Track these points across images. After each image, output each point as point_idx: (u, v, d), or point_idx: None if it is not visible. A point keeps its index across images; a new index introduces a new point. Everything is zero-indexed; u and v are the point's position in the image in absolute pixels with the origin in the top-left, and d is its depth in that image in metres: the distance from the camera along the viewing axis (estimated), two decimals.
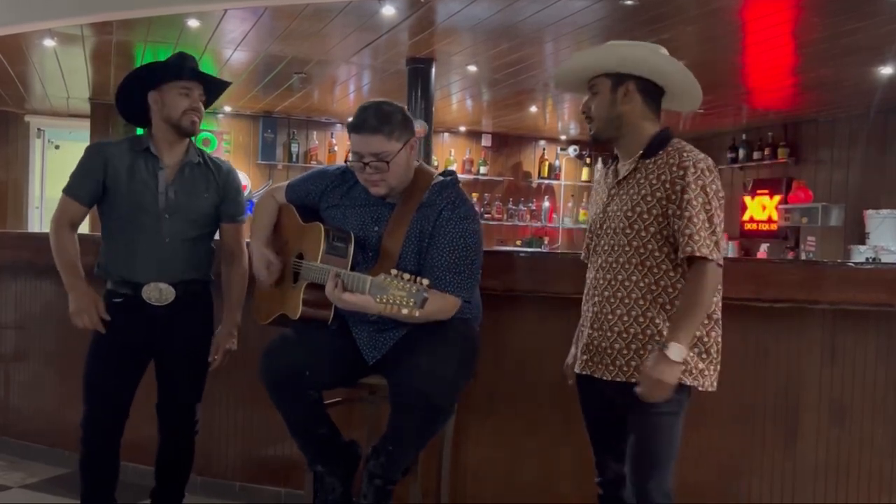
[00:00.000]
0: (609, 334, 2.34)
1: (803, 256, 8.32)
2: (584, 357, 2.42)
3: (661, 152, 2.32)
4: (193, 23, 5.64)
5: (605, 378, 2.35)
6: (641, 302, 2.30)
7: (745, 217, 9.31)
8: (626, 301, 2.32)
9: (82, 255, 2.91)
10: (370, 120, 2.59)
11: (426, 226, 2.62)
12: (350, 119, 2.66)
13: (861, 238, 7.61)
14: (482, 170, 10.58)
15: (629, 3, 4.56)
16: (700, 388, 2.30)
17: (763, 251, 8.97)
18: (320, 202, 2.82)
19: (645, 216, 2.29)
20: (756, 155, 9.07)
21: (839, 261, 3.15)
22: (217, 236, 3.05)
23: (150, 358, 2.95)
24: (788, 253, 8.69)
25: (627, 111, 2.36)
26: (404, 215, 2.65)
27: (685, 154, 2.28)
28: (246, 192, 9.33)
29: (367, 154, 2.59)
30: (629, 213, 2.32)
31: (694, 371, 2.27)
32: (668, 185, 2.26)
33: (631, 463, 2.34)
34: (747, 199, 9.28)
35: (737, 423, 2.95)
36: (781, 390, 2.93)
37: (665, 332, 2.26)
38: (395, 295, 2.28)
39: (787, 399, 2.92)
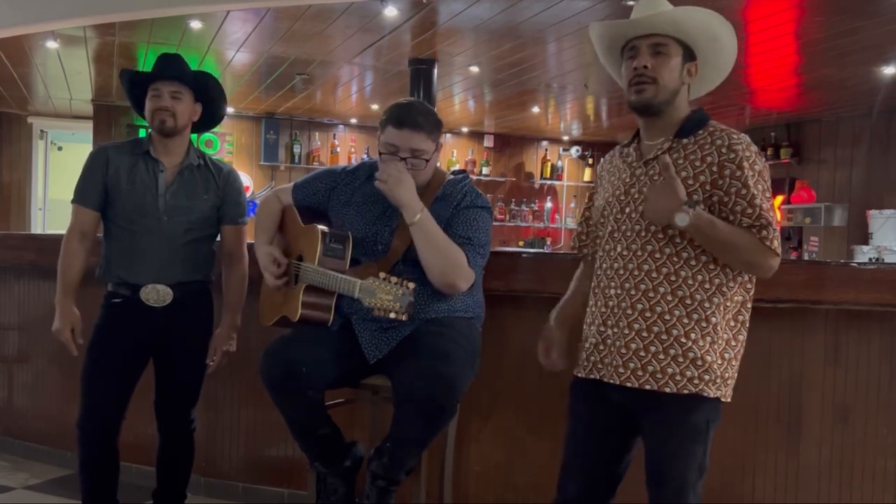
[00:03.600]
0: (627, 332, 2.09)
1: (806, 256, 8.31)
2: (592, 359, 2.18)
3: (700, 132, 2.11)
4: (196, 24, 5.65)
5: (613, 382, 2.10)
6: (669, 297, 2.05)
7: None
8: (651, 295, 2.06)
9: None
10: (416, 117, 2.60)
11: (439, 221, 2.62)
12: (386, 114, 2.64)
13: (864, 238, 7.60)
14: (484, 170, 10.58)
15: (631, 3, 4.55)
16: (723, 400, 2.12)
17: None
18: (329, 200, 2.82)
19: None
20: None
21: (842, 261, 3.14)
22: (218, 238, 3.06)
23: (149, 359, 2.96)
24: (791, 253, 8.67)
25: (683, 90, 2.15)
26: None
27: (735, 136, 2.06)
28: (248, 194, 9.40)
29: (407, 149, 2.60)
30: None
31: (718, 381, 2.08)
32: (714, 169, 2.03)
33: (654, 485, 2.09)
34: None
35: (740, 423, 2.95)
36: (785, 390, 2.92)
37: (691, 337, 2.04)
38: (382, 299, 2.31)
39: (790, 399, 2.92)
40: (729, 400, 2.14)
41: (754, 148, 2.07)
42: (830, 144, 8.44)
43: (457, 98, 8.33)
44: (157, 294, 2.86)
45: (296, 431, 2.68)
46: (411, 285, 2.30)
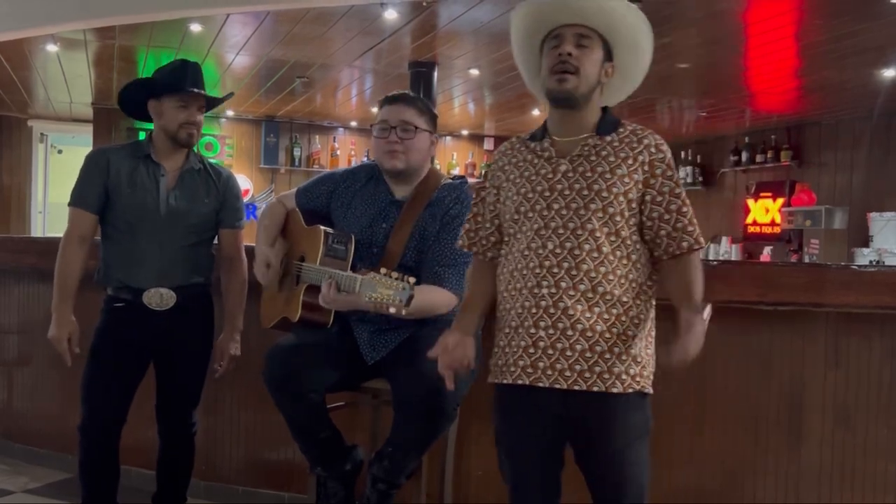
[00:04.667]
0: (570, 333, 2.01)
1: (807, 259, 8.31)
2: (521, 363, 2.07)
3: (621, 129, 2.11)
4: (196, 27, 5.65)
5: (557, 387, 2.02)
6: (609, 297, 2.02)
7: (749, 220, 9.29)
8: (591, 295, 2.01)
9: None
10: (407, 95, 2.75)
11: (432, 225, 2.65)
12: (381, 99, 2.78)
13: (864, 241, 7.60)
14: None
15: (633, 5, 4.55)
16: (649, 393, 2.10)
17: (766, 254, 8.96)
18: (330, 202, 2.85)
19: (622, 199, 2.04)
20: (759, 158, 9.06)
21: (843, 264, 3.14)
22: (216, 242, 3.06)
23: (150, 362, 2.96)
24: (792, 256, 8.67)
25: (598, 89, 2.13)
26: (412, 212, 2.69)
27: (658, 137, 2.11)
28: (248, 197, 9.41)
29: (396, 120, 2.67)
30: (604, 194, 2.03)
31: (650, 376, 2.09)
32: (646, 168, 2.06)
33: (611, 490, 2.05)
34: (750, 201, 9.26)
35: (741, 426, 2.95)
36: (786, 393, 2.92)
37: (629, 334, 2.03)
38: (382, 293, 2.30)
39: (791, 402, 2.91)
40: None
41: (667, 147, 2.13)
42: (830, 147, 8.44)
43: (457, 101, 8.33)
44: (160, 298, 2.85)
45: (297, 433, 2.68)
46: (412, 279, 2.30)
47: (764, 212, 9.13)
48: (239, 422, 3.58)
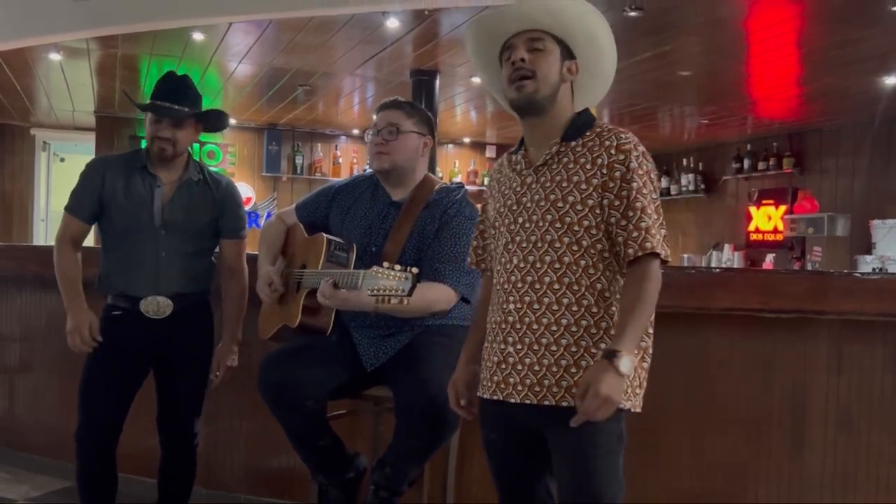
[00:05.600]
0: (536, 348, 1.97)
1: (809, 267, 8.29)
2: (496, 379, 2.03)
3: (587, 133, 2.03)
4: (198, 36, 5.66)
5: (528, 402, 1.97)
6: (575, 308, 1.95)
7: (751, 227, 9.29)
8: (556, 308, 1.96)
9: (85, 267, 2.94)
10: (397, 100, 2.85)
11: (431, 225, 2.68)
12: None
13: (867, 248, 7.59)
14: (486, 181, 10.58)
15: (632, 13, 4.56)
16: (633, 411, 1.99)
17: (769, 261, 8.95)
18: (330, 211, 2.88)
19: (579, 207, 1.96)
20: (761, 165, 9.06)
21: (845, 271, 3.14)
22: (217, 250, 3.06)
23: (148, 370, 2.96)
24: (794, 263, 8.66)
25: (564, 89, 2.06)
26: (410, 213, 2.71)
27: (623, 136, 1.99)
28: (250, 205, 9.41)
29: (384, 124, 2.76)
30: (559, 204, 1.98)
31: (628, 391, 1.95)
32: (604, 171, 1.96)
33: None
34: (752, 209, 9.26)
35: (744, 433, 2.94)
36: (788, 400, 2.91)
37: (601, 347, 1.93)
38: (385, 285, 2.29)
39: (793, 408, 2.91)
40: (640, 411, 2.02)
41: (642, 148, 1.99)
42: (832, 154, 8.44)
43: (459, 109, 8.34)
44: (157, 305, 2.86)
45: (295, 442, 2.68)
46: (415, 270, 2.29)
47: (766, 219, 9.13)
48: (240, 429, 3.58)
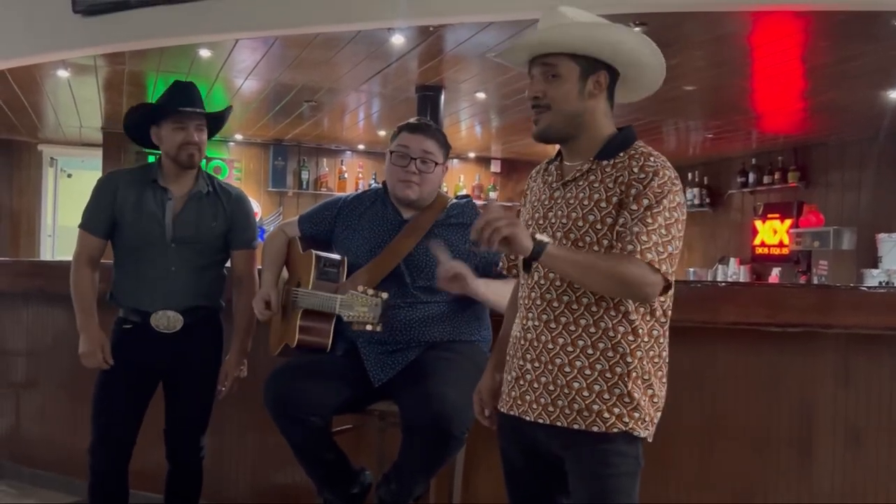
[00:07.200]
0: (550, 367, 1.93)
1: (815, 280, 8.27)
2: (513, 394, 2.02)
3: (621, 154, 1.95)
4: (205, 53, 5.69)
5: (541, 421, 1.95)
6: (592, 330, 1.90)
7: (756, 241, 9.27)
8: (572, 329, 1.92)
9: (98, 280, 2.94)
10: (430, 126, 2.77)
11: (454, 235, 2.67)
12: (401, 125, 2.78)
13: (873, 262, 7.56)
14: (492, 195, 10.58)
15: (636, 28, 4.58)
16: (649, 440, 1.96)
17: (775, 275, 8.93)
18: (335, 226, 2.85)
19: (598, 226, 1.90)
20: (766, 179, 9.06)
21: (852, 285, 3.13)
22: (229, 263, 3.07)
23: (157, 384, 2.97)
24: (800, 277, 8.63)
25: (592, 107, 1.98)
26: (419, 227, 2.70)
27: (651, 158, 1.91)
28: (256, 220, 9.41)
29: (418, 150, 2.69)
30: (580, 223, 1.92)
31: (647, 419, 1.92)
32: (623, 188, 1.89)
33: None
34: (758, 223, 9.25)
35: (751, 447, 2.93)
36: (795, 414, 2.90)
37: (616, 372, 1.89)
38: (359, 311, 2.35)
39: (801, 423, 2.90)
40: (651, 440, 1.97)
41: (670, 173, 1.90)
42: (837, 168, 8.43)
43: (464, 124, 8.36)
44: (167, 320, 2.86)
45: (300, 457, 2.68)
46: (384, 295, 2.34)
47: (772, 233, 9.12)
48: (246, 443, 3.58)
